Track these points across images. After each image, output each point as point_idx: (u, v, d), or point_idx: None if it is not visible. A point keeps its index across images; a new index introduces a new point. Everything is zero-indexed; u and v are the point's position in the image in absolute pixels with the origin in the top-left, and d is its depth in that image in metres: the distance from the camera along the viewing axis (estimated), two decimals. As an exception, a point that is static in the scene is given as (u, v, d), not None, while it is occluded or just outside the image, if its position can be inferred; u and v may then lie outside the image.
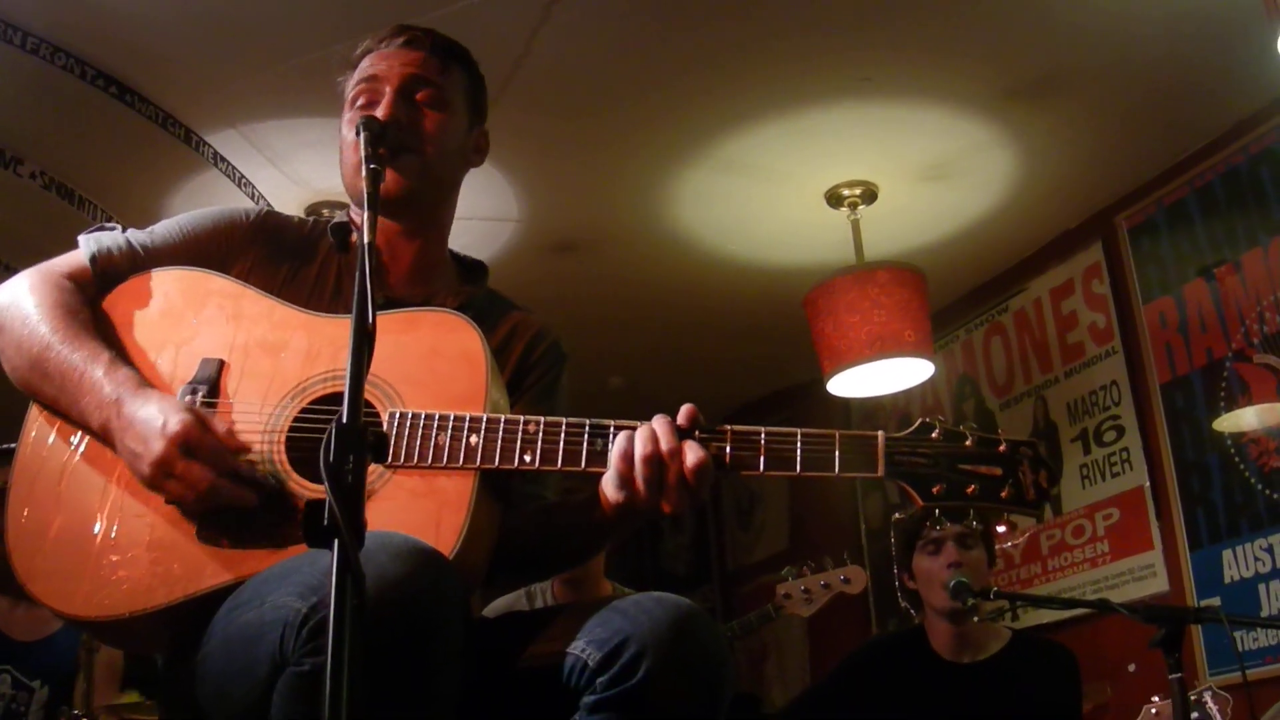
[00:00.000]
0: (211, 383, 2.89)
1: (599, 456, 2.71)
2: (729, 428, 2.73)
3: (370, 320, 2.18)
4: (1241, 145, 6.87)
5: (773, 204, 7.50)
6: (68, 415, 2.86)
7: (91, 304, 3.01)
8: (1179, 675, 4.43)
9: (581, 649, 2.66)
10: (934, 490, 2.66)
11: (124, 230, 3.18)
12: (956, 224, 7.84)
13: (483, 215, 7.35)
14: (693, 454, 2.65)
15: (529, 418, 2.74)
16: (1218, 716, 4.71)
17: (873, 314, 6.89)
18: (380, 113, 3.10)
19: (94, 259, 3.07)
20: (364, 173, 2.69)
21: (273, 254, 3.19)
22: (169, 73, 6.08)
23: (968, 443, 2.70)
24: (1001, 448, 2.69)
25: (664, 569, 12.43)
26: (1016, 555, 7.99)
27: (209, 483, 2.65)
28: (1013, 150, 7.02)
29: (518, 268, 7.71)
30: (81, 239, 3.14)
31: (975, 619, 5.48)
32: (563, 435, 2.72)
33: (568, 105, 6.50)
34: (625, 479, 2.67)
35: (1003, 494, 2.66)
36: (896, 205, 7.47)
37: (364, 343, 2.17)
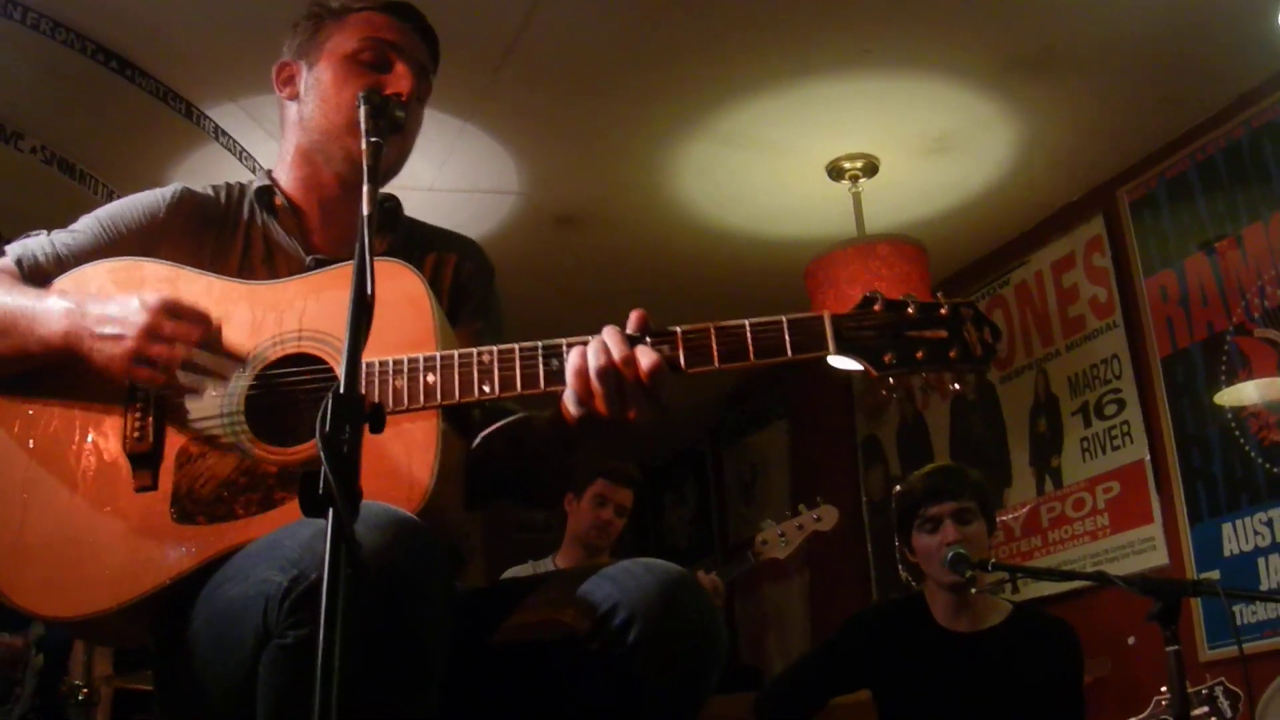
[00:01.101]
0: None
1: (556, 376, 2.73)
2: (678, 329, 2.77)
3: (370, 290, 2.19)
4: (1243, 119, 6.86)
5: (774, 177, 7.50)
6: (24, 351, 2.85)
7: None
8: (1176, 648, 4.44)
9: (571, 616, 2.68)
10: (885, 359, 2.73)
11: (49, 233, 3.17)
12: (957, 197, 7.84)
13: (483, 188, 7.35)
14: (645, 358, 2.67)
15: (482, 349, 2.76)
16: (1229, 712, 4.71)
17: (874, 286, 6.84)
18: (402, 88, 3.13)
19: (19, 262, 3.07)
20: (364, 144, 2.69)
21: (195, 231, 3.18)
22: (170, 47, 6.08)
23: (910, 310, 2.78)
24: (943, 310, 2.78)
25: (666, 543, 12.46)
26: (1017, 528, 8.00)
27: (200, 332, 2.73)
28: (1014, 123, 7.02)
29: (518, 240, 7.71)
30: (8, 247, 3.14)
31: (974, 590, 5.48)
32: (518, 360, 2.74)
33: (567, 78, 6.49)
34: (584, 394, 2.68)
35: (951, 354, 2.74)
36: (897, 178, 7.47)
37: (363, 312, 2.17)
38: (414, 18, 3.31)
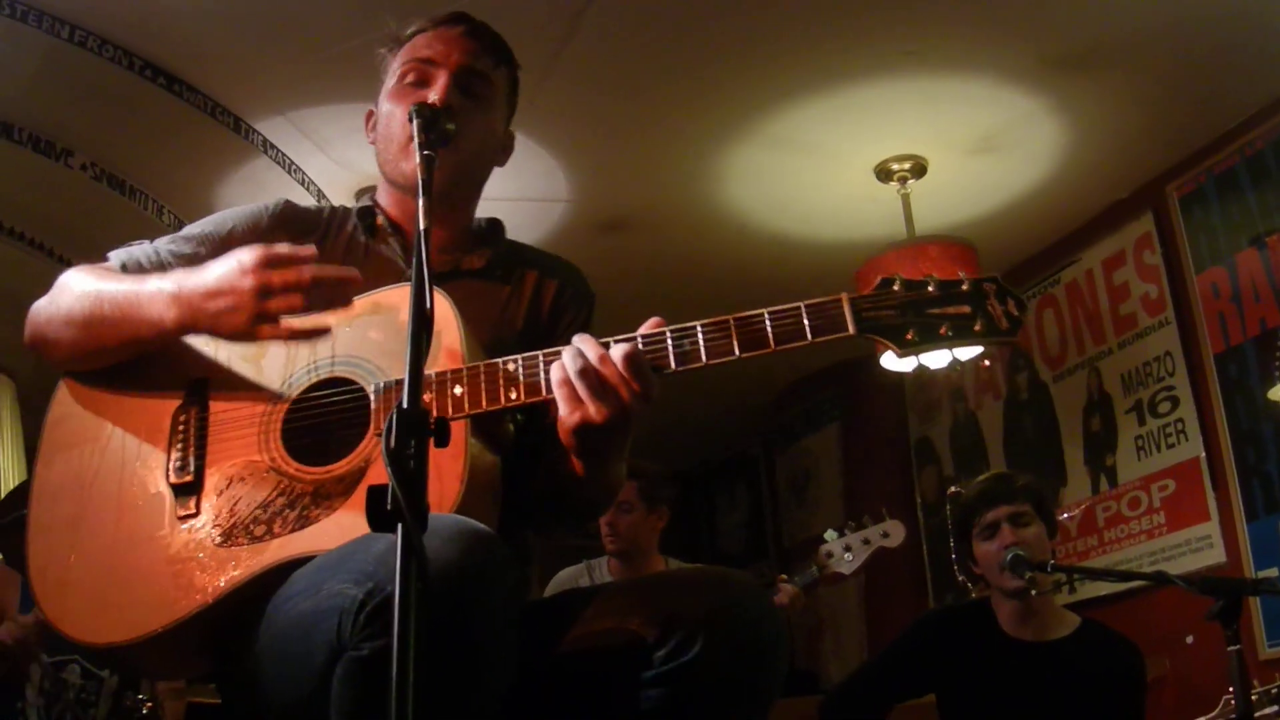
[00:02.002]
0: (201, 401, 2.93)
1: None
2: (697, 324, 2.76)
3: (429, 305, 2.21)
4: (1293, 112, 6.84)
5: (822, 179, 7.50)
6: (135, 337, 2.88)
7: None
8: (1238, 648, 4.41)
9: (638, 624, 2.66)
10: (907, 337, 2.70)
11: (153, 242, 3.21)
12: (1006, 196, 7.82)
13: (532, 196, 7.37)
14: (619, 349, 2.66)
15: (508, 358, 2.78)
16: None
17: (924, 288, 6.86)
18: (435, 96, 3.12)
19: (124, 267, 3.11)
20: (417, 159, 2.69)
21: (297, 241, 3.17)
22: (217, 62, 6.11)
23: (930, 289, 2.74)
24: (964, 286, 2.75)
25: (719, 546, 12.46)
26: (1072, 527, 7.97)
27: (311, 270, 2.73)
28: (1061, 121, 7.00)
29: (567, 247, 7.64)
30: (111, 255, 3.18)
31: (1034, 592, 5.45)
32: (541, 366, 2.75)
33: (615, 84, 6.50)
34: (570, 400, 2.67)
35: (975, 328, 2.71)
36: (946, 179, 7.45)
37: (422, 328, 2.19)
38: (462, 23, 3.32)
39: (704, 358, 2.73)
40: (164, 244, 3.18)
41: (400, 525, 1.88)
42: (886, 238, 7.32)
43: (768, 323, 2.72)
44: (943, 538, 8.87)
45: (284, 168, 6.74)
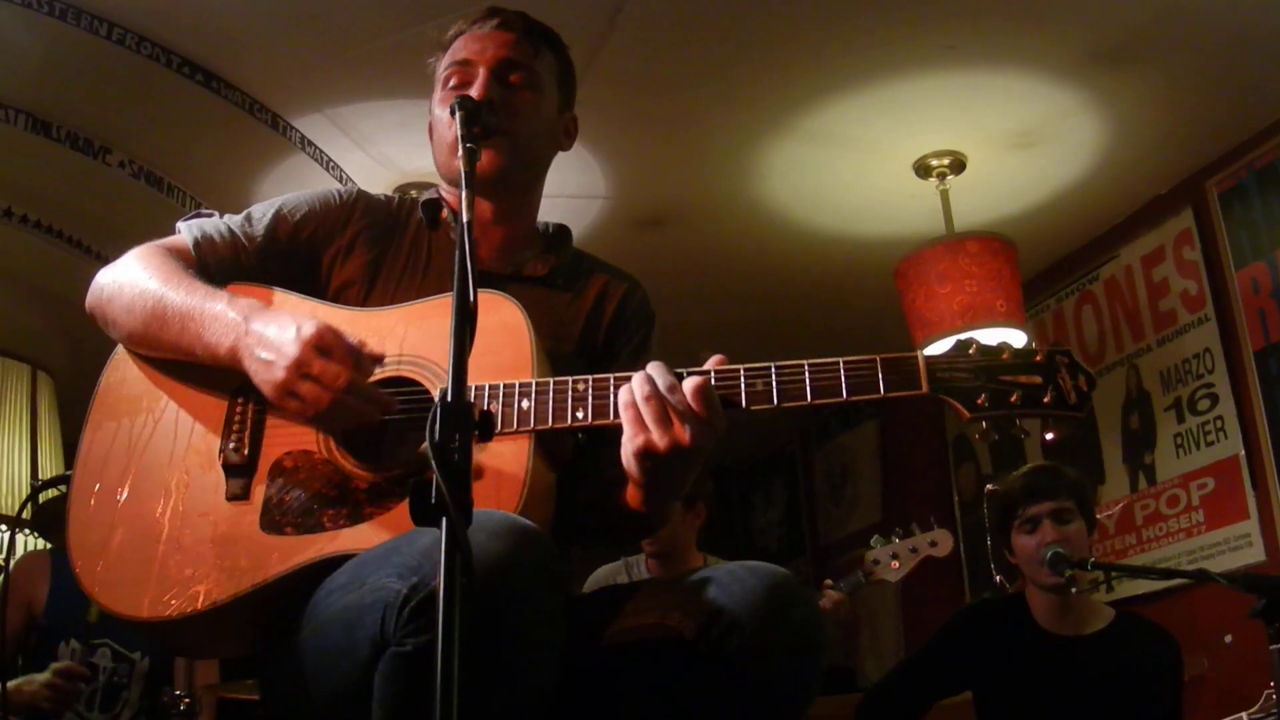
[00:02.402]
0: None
1: None
2: (772, 365, 2.78)
3: (472, 299, 2.21)
4: (1334, 105, 6.80)
5: (861, 175, 7.48)
6: (192, 353, 2.90)
7: None
8: (1279, 646, 4.39)
9: (677, 621, 2.68)
10: (978, 401, 2.75)
11: (222, 217, 3.22)
12: (1045, 192, 7.79)
13: (570, 193, 7.37)
14: (691, 382, 2.67)
15: (578, 377, 2.79)
16: None
17: (964, 284, 6.86)
18: (474, 92, 3.14)
19: (197, 244, 3.13)
20: (460, 152, 2.70)
21: (366, 234, 3.25)
22: (254, 58, 6.12)
23: (1004, 356, 2.80)
24: (1038, 358, 2.80)
25: (756, 544, 12.45)
26: (1111, 525, 7.94)
27: (346, 378, 2.70)
28: (1100, 116, 6.97)
29: (606, 243, 7.70)
30: (182, 225, 3.20)
31: (1074, 590, 5.43)
32: (611, 389, 2.76)
33: (653, 80, 6.50)
34: (635, 423, 2.68)
35: (1045, 399, 2.76)
36: (985, 174, 7.43)
37: (465, 320, 2.19)
38: (495, 16, 3.34)
39: (775, 400, 2.76)
40: (235, 222, 3.21)
41: (445, 519, 1.88)
42: (926, 234, 7.30)
43: (842, 373, 2.76)
44: (980, 535, 8.85)
45: (321, 164, 6.75)
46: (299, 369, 2.69)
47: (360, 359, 2.74)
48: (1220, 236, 7.39)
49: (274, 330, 2.76)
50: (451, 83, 3.26)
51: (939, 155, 7.27)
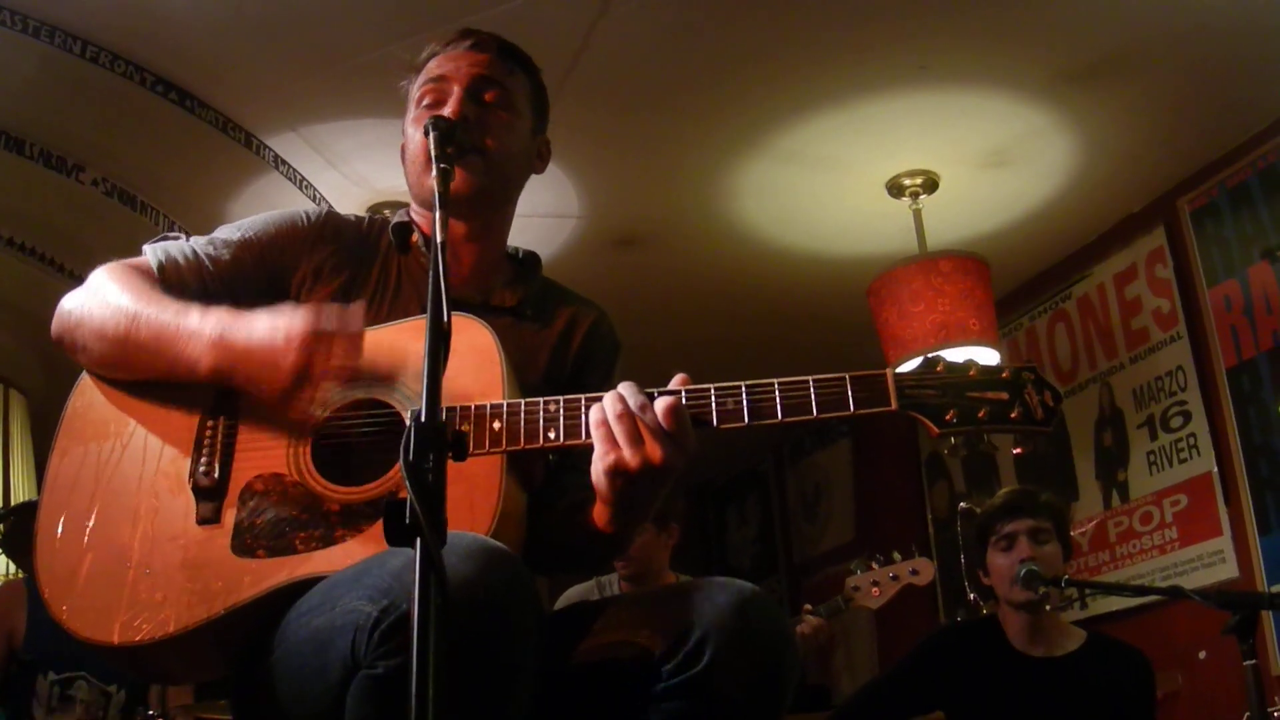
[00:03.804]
0: (230, 409, 2.91)
1: None
2: (742, 384, 2.79)
3: (446, 319, 2.21)
4: (1305, 125, 6.83)
5: (834, 195, 7.50)
6: (171, 374, 2.87)
7: None
8: (1253, 662, 4.40)
9: (646, 637, 2.67)
10: (946, 418, 2.77)
11: (188, 239, 3.20)
12: (1018, 211, 7.81)
13: (543, 212, 7.37)
14: (662, 402, 2.68)
15: (549, 398, 2.79)
16: None
17: (936, 303, 6.87)
18: (448, 111, 3.13)
19: (161, 267, 3.08)
20: (434, 171, 2.69)
21: (335, 256, 3.22)
22: (228, 77, 6.12)
23: (971, 373, 2.82)
24: (1004, 374, 2.82)
25: (730, 562, 12.45)
26: (1084, 543, 7.95)
27: (353, 364, 2.75)
28: (1072, 135, 6.99)
29: (579, 263, 7.73)
30: (147, 248, 3.15)
31: (1048, 607, 5.44)
32: (582, 410, 2.77)
33: (626, 100, 6.51)
34: (607, 441, 2.69)
35: (1012, 414, 2.78)
36: (957, 193, 7.45)
37: (440, 341, 2.19)
38: (469, 36, 3.33)
39: (746, 418, 2.77)
40: (201, 245, 3.16)
41: (419, 540, 1.88)
42: (898, 253, 7.32)
43: (812, 390, 2.77)
44: (954, 554, 8.86)
45: (295, 183, 6.75)
46: (300, 373, 2.70)
47: (351, 330, 2.76)
48: (1192, 254, 7.42)
49: (258, 337, 2.74)
50: (425, 101, 3.24)
51: (912, 174, 7.28)
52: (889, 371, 2.79)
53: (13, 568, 6.55)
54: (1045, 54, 6.29)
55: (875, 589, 6.43)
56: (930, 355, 2.86)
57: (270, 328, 2.74)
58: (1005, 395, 2.80)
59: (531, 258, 3.45)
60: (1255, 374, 6.96)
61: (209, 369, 2.79)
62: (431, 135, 2.78)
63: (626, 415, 2.68)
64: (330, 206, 3.29)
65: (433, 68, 3.29)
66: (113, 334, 2.89)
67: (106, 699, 5.78)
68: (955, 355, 6.95)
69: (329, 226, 3.28)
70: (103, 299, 2.94)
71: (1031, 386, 2.82)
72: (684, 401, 2.73)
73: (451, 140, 2.84)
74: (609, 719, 2.76)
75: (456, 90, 3.20)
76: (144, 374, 2.93)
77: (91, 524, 2.82)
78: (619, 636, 2.74)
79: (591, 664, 2.77)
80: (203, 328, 2.81)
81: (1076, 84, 6.50)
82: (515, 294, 3.32)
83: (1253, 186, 7.06)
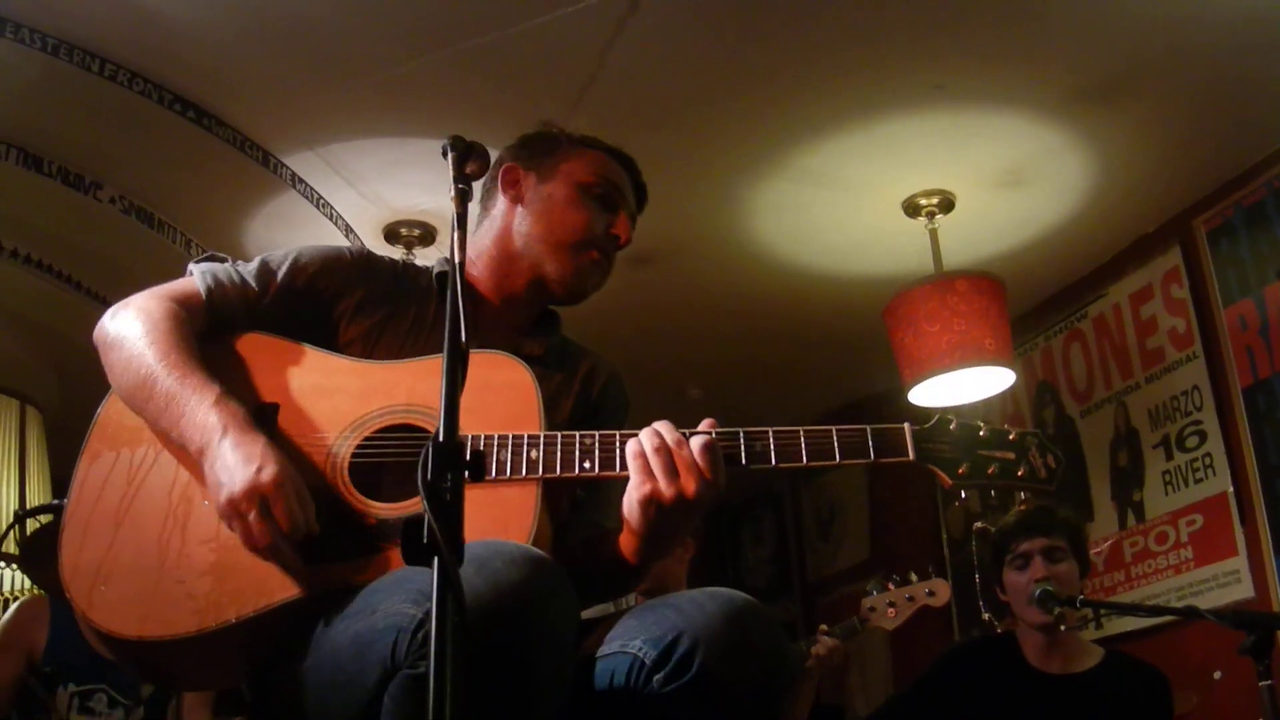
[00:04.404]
0: (267, 424, 2.96)
1: None
2: (769, 430, 2.95)
3: (463, 340, 2.24)
4: (1321, 144, 6.83)
5: (850, 214, 7.50)
6: (167, 434, 2.92)
7: (200, 336, 3.09)
8: (1269, 683, 4.40)
9: (638, 647, 2.73)
10: (959, 471, 2.99)
11: (234, 264, 3.26)
12: (1034, 230, 7.81)
13: (559, 230, 7.37)
14: (698, 439, 2.83)
15: (585, 432, 2.91)
16: None
17: (953, 323, 6.87)
18: (622, 232, 3.52)
19: (210, 292, 3.18)
20: (451, 192, 2.71)
21: (375, 295, 3.34)
22: (245, 95, 6.13)
23: (982, 433, 3.04)
24: (1011, 436, 3.07)
25: (745, 582, 12.43)
26: (1099, 563, 7.94)
27: (267, 540, 2.72)
28: (1087, 154, 6.99)
29: (594, 281, 7.73)
30: (195, 268, 3.26)
31: (1063, 627, 5.44)
32: (617, 443, 2.89)
33: (642, 118, 6.51)
34: (643, 471, 2.80)
35: (1019, 473, 3.03)
36: (973, 213, 7.45)
37: (458, 362, 2.22)
38: (635, 172, 3.67)
39: (774, 460, 2.95)
40: (249, 271, 3.26)
41: (436, 558, 1.90)
42: (914, 272, 7.32)
43: (835, 439, 2.95)
44: (969, 574, 8.85)
45: (312, 202, 6.76)
46: (233, 508, 2.71)
47: (293, 519, 2.73)
48: (1208, 274, 7.41)
49: (239, 457, 2.76)
50: (596, 191, 3.53)
51: (927, 194, 7.28)
52: (907, 426, 2.97)
53: (19, 583, 6.57)
54: (1060, 73, 6.29)
55: (891, 610, 6.43)
56: (944, 414, 3.08)
57: (258, 453, 2.78)
58: (1012, 455, 3.03)
59: (551, 315, 3.63)
60: (1271, 394, 6.95)
61: (196, 449, 2.84)
62: (450, 156, 2.78)
63: (664, 449, 2.80)
64: (366, 247, 3.39)
65: (610, 169, 3.63)
66: (133, 376, 2.98)
67: (125, 712, 5.79)
68: (971, 375, 7.01)
69: (370, 263, 3.43)
70: (136, 337, 3.02)
71: (1035, 450, 3.05)
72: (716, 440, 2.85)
73: (610, 257, 3.43)
74: None
75: (626, 218, 3.56)
76: (149, 423, 2.99)
77: (121, 525, 2.87)
78: (614, 647, 2.80)
79: (588, 674, 2.80)
80: (210, 415, 2.86)
81: (1092, 103, 6.50)
82: (540, 345, 3.46)
83: (1268, 206, 7.06)
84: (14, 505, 6.76)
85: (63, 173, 6.15)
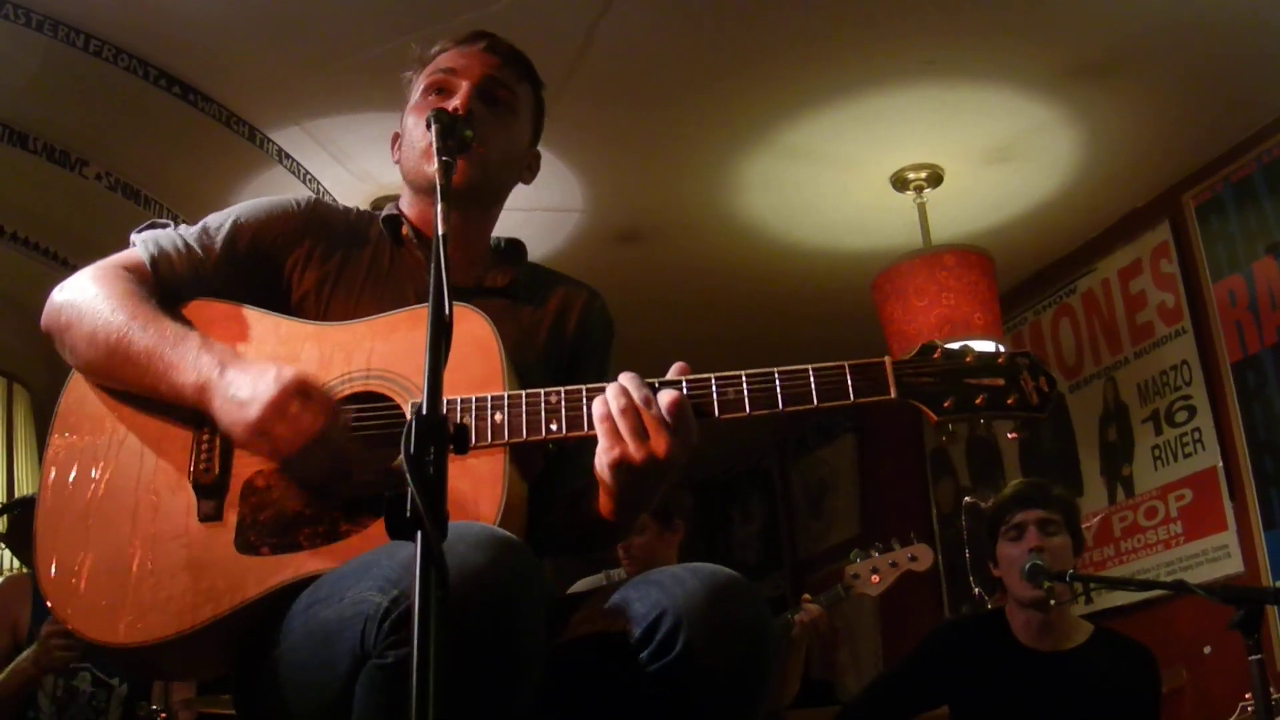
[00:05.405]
0: None
1: None
2: (742, 373, 2.82)
3: (448, 311, 2.20)
4: (1310, 120, 6.82)
5: (838, 189, 7.49)
6: (154, 392, 2.86)
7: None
8: (1259, 657, 4.40)
9: (623, 625, 2.68)
10: (944, 405, 2.82)
11: (176, 227, 3.20)
12: (1023, 205, 7.80)
13: (547, 206, 7.36)
14: (666, 394, 2.71)
15: (550, 389, 2.80)
16: None
17: (941, 297, 6.86)
18: (456, 104, 3.16)
19: (154, 261, 3.10)
20: (435, 164, 2.69)
21: (325, 243, 3.23)
22: (232, 71, 6.12)
23: (968, 359, 2.87)
24: (1000, 360, 2.88)
25: (734, 558, 12.44)
26: (1089, 538, 7.93)
27: (323, 423, 2.69)
28: (1077, 130, 6.98)
29: (583, 258, 7.72)
30: (136, 238, 3.17)
31: (1052, 602, 5.44)
32: (584, 400, 2.78)
33: (630, 95, 6.50)
34: (611, 435, 2.70)
35: (1009, 401, 2.84)
36: (962, 188, 7.44)
37: (441, 334, 2.18)
38: (484, 38, 3.36)
39: (748, 408, 2.79)
40: (192, 235, 3.17)
41: (420, 533, 1.88)
42: (903, 247, 7.32)
43: (812, 379, 2.80)
44: (959, 548, 8.85)
45: (299, 178, 6.74)
46: (276, 408, 2.67)
47: (336, 409, 2.73)
48: (1197, 249, 7.40)
49: (252, 373, 2.73)
50: (432, 91, 3.28)
51: (916, 169, 7.28)
52: (887, 360, 2.83)
53: (16, 562, 6.56)
54: (1050, 49, 6.28)
55: (875, 576, 6.43)
56: (927, 342, 2.90)
57: (270, 364, 2.76)
58: (1001, 381, 2.84)
59: (514, 243, 3.48)
60: (1260, 369, 6.94)
61: (193, 389, 2.79)
62: (433, 128, 2.79)
63: (630, 410, 2.69)
64: (318, 198, 3.29)
65: (443, 60, 3.33)
66: (104, 343, 2.89)
67: (109, 691, 5.79)
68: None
69: (318, 213, 3.30)
70: (96, 306, 2.94)
71: (1027, 373, 2.85)
72: (685, 392, 2.75)
73: (454, 133, 2.84)
74: (593, 707, 2.76)
75: (466, 86, 3.23)
76: (129, 388, 2.92)
77: (91, 523, 2.81)
78: (598, 627, 2.75)
79: (572, 654, 2.76)
80: (200, 356, 2.81)
81: (1081, 79, 6.49)
82: (505, 275, 3.34)
83: (1257, 181, 7.05)
84: (1, 483, 6.75)
85: (48, 150, 6.12)
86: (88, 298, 2.96)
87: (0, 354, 7.10)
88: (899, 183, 7.36)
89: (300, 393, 2.68)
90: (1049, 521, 5.54)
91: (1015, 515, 5.58)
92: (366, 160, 6.79)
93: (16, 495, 6.78)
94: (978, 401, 2.82)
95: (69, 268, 6.35)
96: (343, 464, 2.74)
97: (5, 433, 6.89)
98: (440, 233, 2.42)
